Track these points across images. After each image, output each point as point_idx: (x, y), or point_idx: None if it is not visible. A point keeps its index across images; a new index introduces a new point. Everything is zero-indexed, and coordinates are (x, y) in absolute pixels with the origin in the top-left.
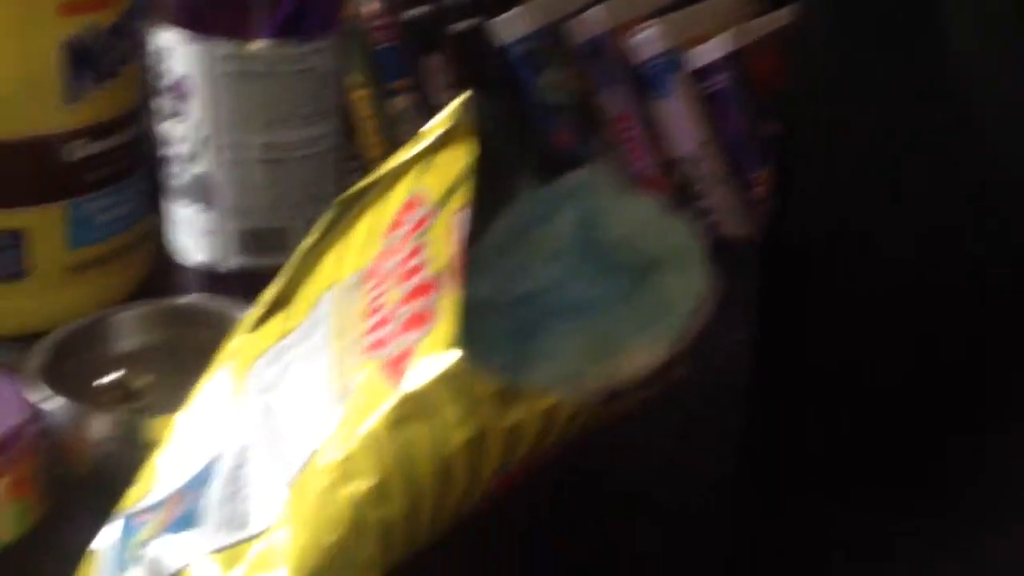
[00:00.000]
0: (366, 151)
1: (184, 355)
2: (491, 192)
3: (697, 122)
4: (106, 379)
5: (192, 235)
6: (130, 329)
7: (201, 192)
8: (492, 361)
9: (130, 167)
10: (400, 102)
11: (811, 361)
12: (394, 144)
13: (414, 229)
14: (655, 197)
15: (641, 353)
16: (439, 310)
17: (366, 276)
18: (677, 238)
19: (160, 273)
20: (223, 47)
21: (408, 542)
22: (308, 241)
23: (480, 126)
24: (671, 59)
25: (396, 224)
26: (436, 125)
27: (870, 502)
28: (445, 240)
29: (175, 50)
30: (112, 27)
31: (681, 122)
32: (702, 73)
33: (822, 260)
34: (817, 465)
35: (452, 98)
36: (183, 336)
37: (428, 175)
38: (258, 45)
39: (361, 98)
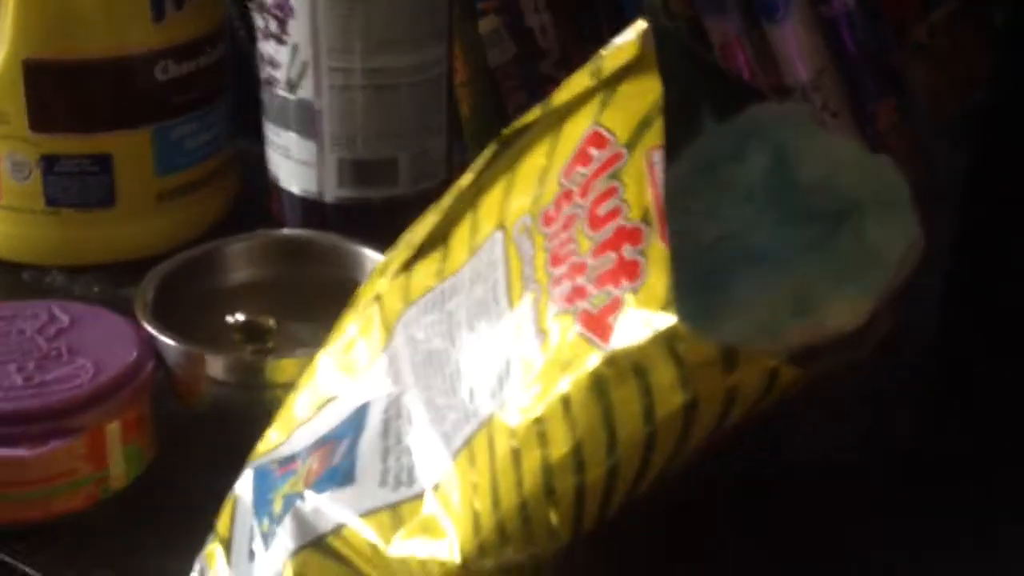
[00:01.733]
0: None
1: (300, 291)
2: (673, 124)
3: (814, 49)
4: (228, 318)
5: (293, 163)
6: (241, 262)
7: (303, 119)
8: (681, 310)
9: (218, 89)
10: (489, 23)
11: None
12: (479, 69)
13: (603, 168)
14: (852, 137)
15: (845, 307)
16: (649, 262)
17: (546, 218)
18: (878, 180)
19: (257, 200)
20: None
21: (600, 511)
22: (465, 179)
23: (659, 55)
24: None
25: (579, 160)
26: (613, 54)
27: None
28: (643, 182)
29: None
30: None
31: (796, 48)
32: None
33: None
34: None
35: (547, 20)
36: (296, 271)
37: (611, 109)
38: None
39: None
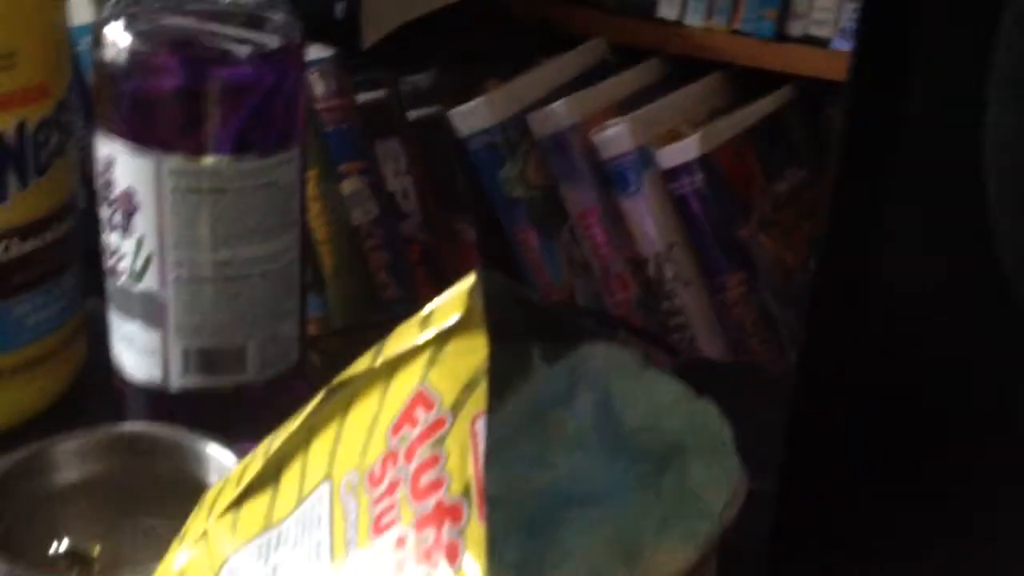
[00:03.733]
0: (313, 232)
1: (139, 489)
2: (501, 365)
3: (666, 222)
4: (57, 548)
5: (137, 352)
6: (76, 460)
7: (147, 310)
8: (505, 558)
9: (62, 264)
10: (350, 184)
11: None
12: (341, 228)
13: (428, 432)
14: (675, 378)
15: (671, 554)
16: (467, 543)
17: (372, 478)
18: (702, 425)
19: (101, 389)
20: (172, 161)
21: None
22: (292, 424)
23: (487, 303)
24: (640, 157)
25: (406, 419)
26: (442, 308)
27: None
28: (466, 454)
29: (119, 161)
30: (41, 123)
31: (649, 221)
32: (672, 173)
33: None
34: None
35: (409, 184)
36: (135, 468)
37: (438, 368)
38: (212, 159)
39: (309, 178)
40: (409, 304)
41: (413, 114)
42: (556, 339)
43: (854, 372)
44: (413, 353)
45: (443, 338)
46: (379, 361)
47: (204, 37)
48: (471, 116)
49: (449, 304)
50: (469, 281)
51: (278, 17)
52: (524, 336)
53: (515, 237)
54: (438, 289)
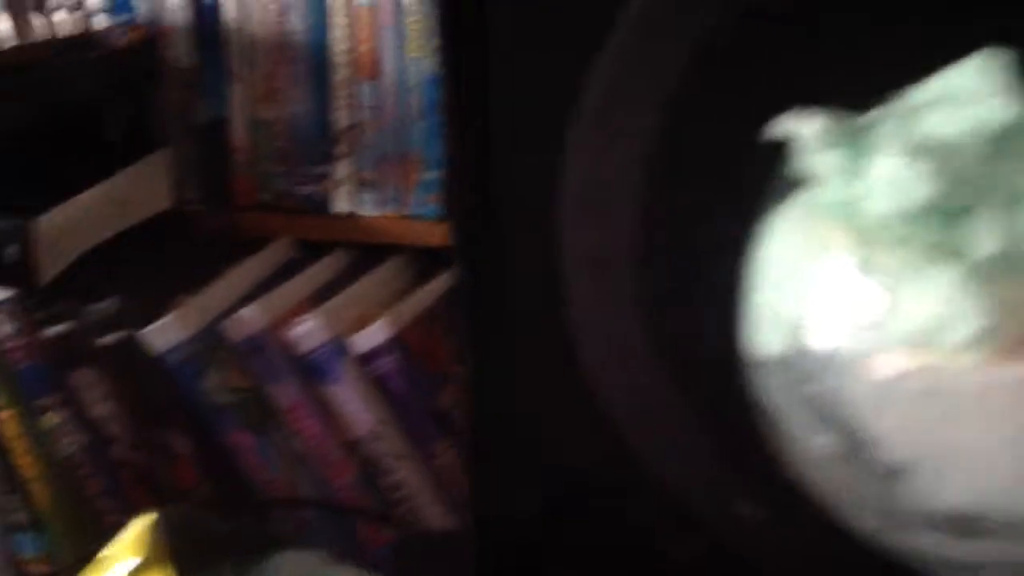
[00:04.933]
0: (21, 471)
1: None
2: None
3: (370, 403)
4: None
5: None
6: None
7: None
8: None
9: None
10: (51, 418)
11: None
12: (51, 462)
13: None
14: (362, 570)
15: None
16: None
17: None
18: None
19: None
20: None
21: None
22: None
23: (172, 536)
24: (335, 346)
25: None
26: (116, 554)
27: None
28: None
29: None
30: None
31: (355, 405)
32: (368, 357)
33: None
34: None
35: (110, 408)
36: None
37: None
38: None
39: (8, 418)
40: None
41: (105, 339)
42: (249, 553)
43: (528, 526)
44: None
45: None
46: None
47: None
48: (164, 333)
49: (125, 546)
50: (146, 521)
51: None
52: (216, 558)
53: (229, 442)
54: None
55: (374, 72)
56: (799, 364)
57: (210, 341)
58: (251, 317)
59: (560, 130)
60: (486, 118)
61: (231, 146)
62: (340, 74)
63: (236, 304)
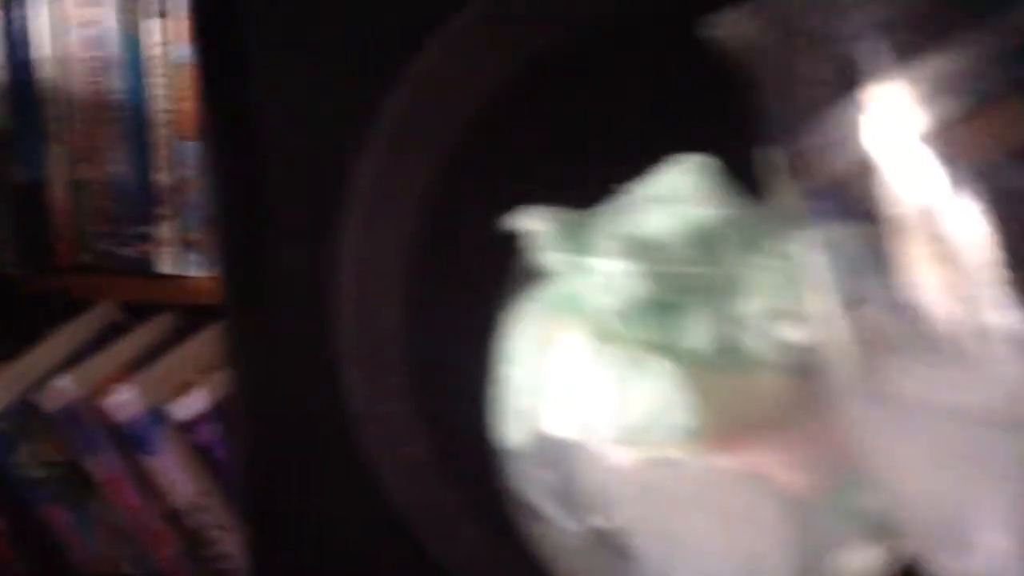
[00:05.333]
0: None
1: None
2: None
3: (194, 473)
4: None
5: None
6: None
7: None
8: None
9: None
10: None
11: None
12: None
13: None
14: None
15: None
16: None
17: None
18: None
19: None
20: None
21: None
22: None
23: None
24: (154, 415)
25: None
26: None
27: None
28: None
29: None
30: None
31: (177, 475)
32: (189, 425)
33: None
34: None
35: None
36: None
37: None
38: None
39: None
40: None
41: None
42: None
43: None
44: None
45: None
46: None
47: None
48: None
49: None
50: None
51: None
52: None
53: (44, 517)
54: None
55: (195, 131)
56: (541, 453)
57: (22, 413)
58: (65, 387)
59: (330, 227)
60: (260, 212)
61: (51, 207)
62: (160, 133)
63: (53, 371)
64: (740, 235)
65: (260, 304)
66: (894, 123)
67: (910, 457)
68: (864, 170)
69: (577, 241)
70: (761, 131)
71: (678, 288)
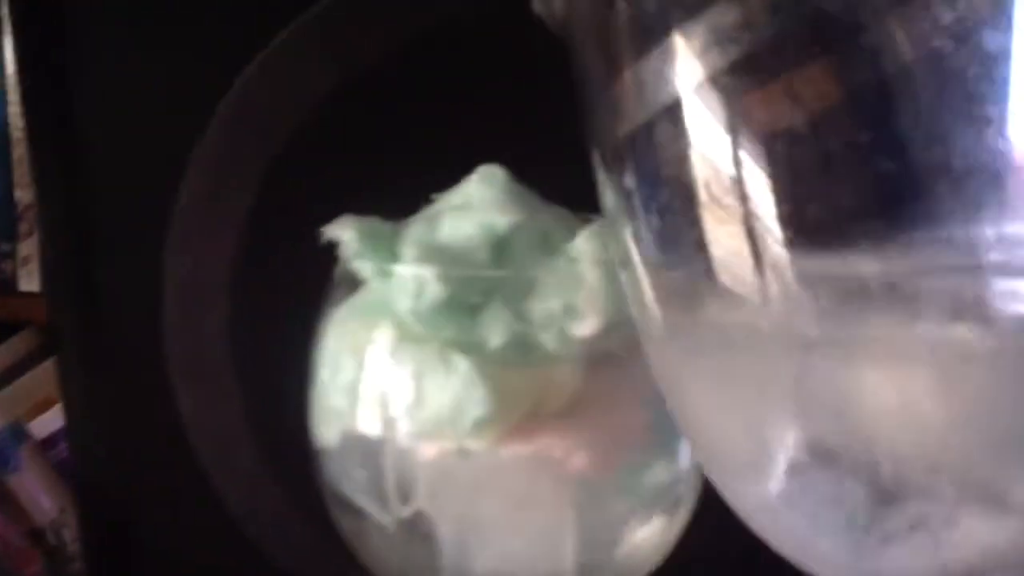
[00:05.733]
0: None
1: None
2: None
3: (54, 489)
4: None
5: None
6: None
7: None
8: None
9: None
10: None
11: None
12: None
13: None
14: None
15: None
16: None
17: None
18: None
19: None
20: None
21: None
22: None
23: None
24: (13, 433)
25: None
26: None
27: None
28: None
29: None
30: None
31: (38, 493)
32: (48, 442)
33: None
34: None
35: None
36: None
37: None
38: None
39: None
40: None
41: None
42: None
43: None
44: None
45: None
46: None
47: None
48: None
49: None
50: None
51: None
52: None
53: None
54: None
55: None
56: (354, 451)
57: None
58: None
59: (157, 239)
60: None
61: None
62: (20, 150)
63: None
64: (534, 239)
65: (87, 318)
66: (681, 80)
67: (706, 393)
68: (667, 140)
69: (386, 249)
70: (581, 131)
71: (476, 290)
